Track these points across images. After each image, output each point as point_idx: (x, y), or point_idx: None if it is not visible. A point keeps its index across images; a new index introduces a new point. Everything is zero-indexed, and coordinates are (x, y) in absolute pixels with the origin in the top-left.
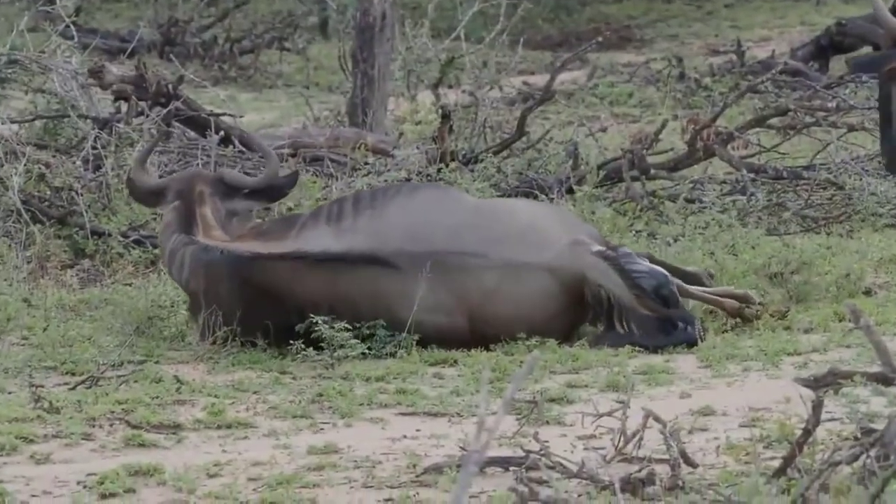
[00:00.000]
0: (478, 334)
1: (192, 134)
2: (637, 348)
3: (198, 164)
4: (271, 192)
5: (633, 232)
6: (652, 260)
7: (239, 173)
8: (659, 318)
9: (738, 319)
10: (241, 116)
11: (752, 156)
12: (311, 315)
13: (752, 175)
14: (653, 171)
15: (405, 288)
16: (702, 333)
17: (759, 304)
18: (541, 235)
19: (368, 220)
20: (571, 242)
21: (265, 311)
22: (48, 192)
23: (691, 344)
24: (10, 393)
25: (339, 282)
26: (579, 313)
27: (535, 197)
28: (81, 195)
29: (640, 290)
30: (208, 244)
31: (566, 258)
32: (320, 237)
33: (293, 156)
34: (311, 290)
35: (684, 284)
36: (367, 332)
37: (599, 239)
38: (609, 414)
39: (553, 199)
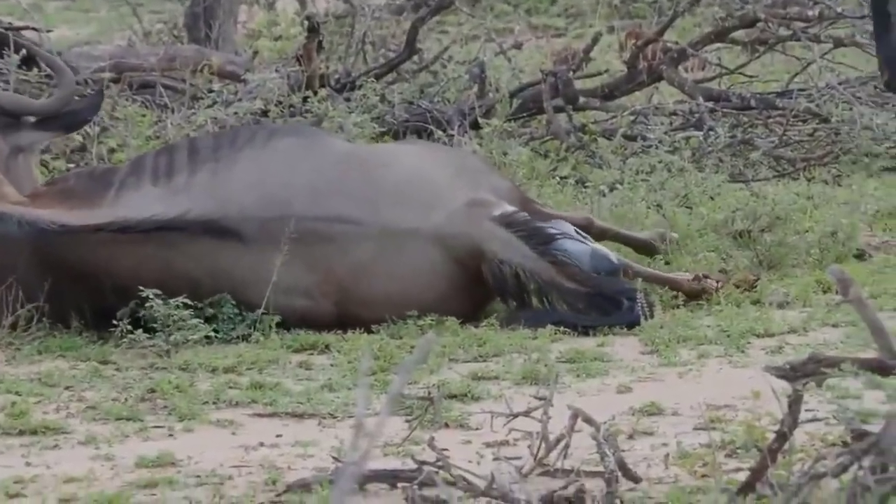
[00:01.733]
0: (349, 321)
1: None
2: (562, 328)
3: None
4: (67, 119)
5: (557, 179)
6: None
7: (18, 95)
8: (592, 294)
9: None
10: (48, 31)
11: (711, 79)
12: (139, 289)
13: (710, 104)
14: (582, 100)
15: (255, 264)
16: (646, 309)
17: (722, 271)
18: (429, 193)
19: (209, 176)
20: (468, 203)
21: (76, 291)
22: None
23: (633, 324)
24: None
25: (171, 257)
26: (482, 293)
27: (430, 134)
28: None
29: (558, 257)
30: (2, 213)
31: (458, 223)
32: (145, 200)
33: (116, 81)
34: (134, 268)
35: (631, 263)
36: (211, 311)
37: (514, 196)
38: (526, 414)
39: (453, 135)
